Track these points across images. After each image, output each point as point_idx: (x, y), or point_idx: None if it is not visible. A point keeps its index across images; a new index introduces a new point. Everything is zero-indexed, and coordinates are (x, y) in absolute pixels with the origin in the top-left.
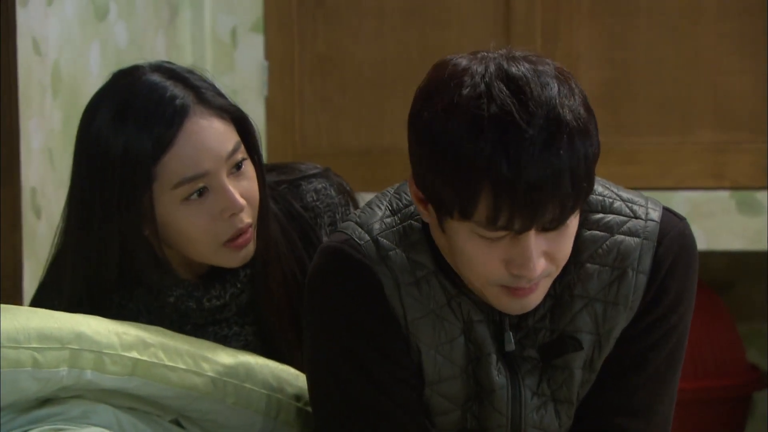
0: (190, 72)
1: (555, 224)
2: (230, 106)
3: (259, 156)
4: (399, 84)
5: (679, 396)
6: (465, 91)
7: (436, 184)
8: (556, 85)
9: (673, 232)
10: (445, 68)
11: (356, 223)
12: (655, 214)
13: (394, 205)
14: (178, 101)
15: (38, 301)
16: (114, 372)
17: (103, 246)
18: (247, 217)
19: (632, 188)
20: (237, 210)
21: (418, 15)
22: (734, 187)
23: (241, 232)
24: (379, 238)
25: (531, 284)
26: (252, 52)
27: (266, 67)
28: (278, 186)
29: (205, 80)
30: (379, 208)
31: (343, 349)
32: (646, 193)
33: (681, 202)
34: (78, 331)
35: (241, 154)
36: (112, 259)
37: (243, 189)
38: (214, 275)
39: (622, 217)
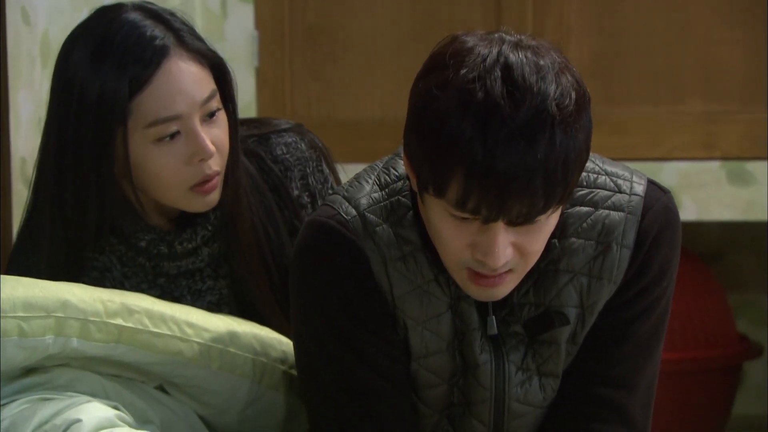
0: (172, 14)
1: (522, 220)
2: (209, 51)
3: (234, 105)
4: (389, 55)
5: (670, 366)
6: (462, 72)
7: (418, 155)
8: (553, 81)
9: (657, 205)
10: (452, 44)
11: (344, 197)
12: (640, 188)
13: (382, 179)
14: (158, 41)
15: (16, 263)
16: (99, 339)
17: (80, 189)
18: (215, 165)
19: (622, 159)
20: (207, 156)
21: None
22: (725, 158)
23: (208, 179)
24: (366, 213)
25: (495, 273)
26: (242, 22)
27: (256, 38)
28: (248, 139)
29: (185, 23)
30: (367, 182)
31: (330, 324)
32: (637, 165)
33: (671, 172)
34: (63, 299)
35: (216, 102)
36: (90, 203)
37: (214, 137)
38: (185, 221)
39: (606, 192)
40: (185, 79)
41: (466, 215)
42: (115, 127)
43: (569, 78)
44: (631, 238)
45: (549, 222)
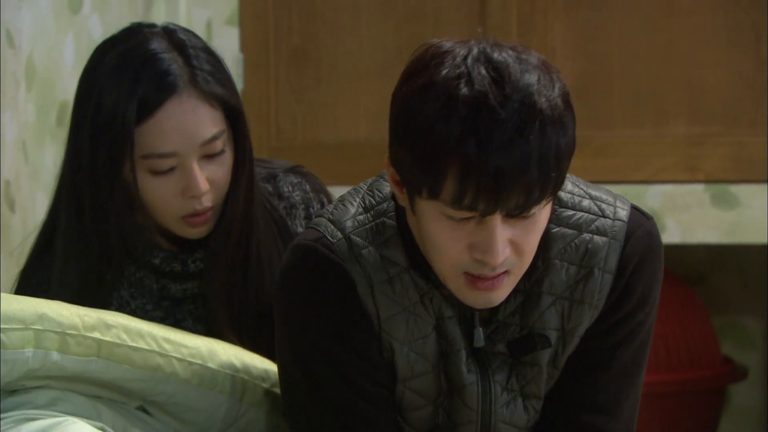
0: (203, 49)
1: (519, 211)
2: (224, 95)
3: (246, 147)
4: (375, 77)
5: (654, 388)
6: (444, 71)
7: (407, 161)
8: (536, 74)
9: (640, 231)
10: (429, 49)
11: (329, 219)
12: (623, 213)
13: (367, 201)
14: (170, 78)
15: (27, 284)
16: (78, 353)
17: (101, 212)
18: (208, 202)
19: (606, 182)
20: (198, 194)
21: (394, 8)
22: (708, 181)
23: (198, 213)
24: (352, 236)
25: (494, 273)
26: (227, 45)
27: (241, 60)
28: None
29: (210, 61)
30: (352, 204)
31: (315, 348)
32: (620, 187)
33: (655, 195)
34: (40, 312)
35: (221, 143)
36: (111, 224)
37: (211, 173)
38: (195, 242)
39: (590, 216)
40: (188, 119)
41: (462, 213)
42: (124, 150)
43: (551, 70)
44: (613, 263)
45: (541, 217)
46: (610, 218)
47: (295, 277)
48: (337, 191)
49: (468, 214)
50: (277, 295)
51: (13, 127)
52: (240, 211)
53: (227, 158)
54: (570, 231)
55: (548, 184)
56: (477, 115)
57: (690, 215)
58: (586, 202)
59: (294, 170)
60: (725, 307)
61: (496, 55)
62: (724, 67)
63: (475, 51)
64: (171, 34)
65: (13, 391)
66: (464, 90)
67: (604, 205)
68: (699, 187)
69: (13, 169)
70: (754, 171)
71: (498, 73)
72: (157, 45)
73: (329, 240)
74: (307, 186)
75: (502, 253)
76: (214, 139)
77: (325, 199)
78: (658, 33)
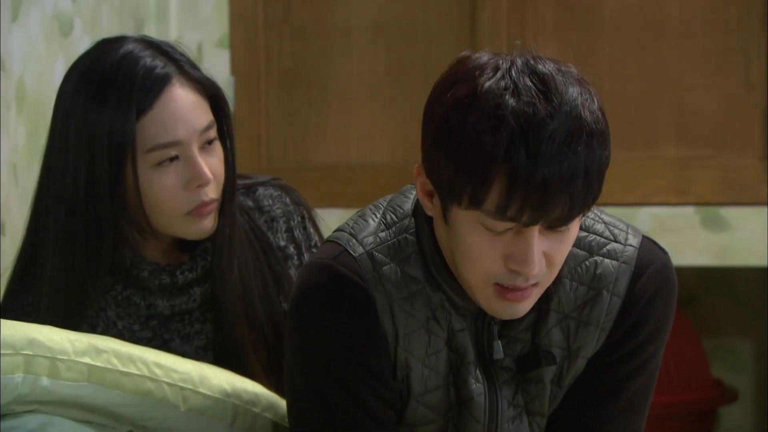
0: (171, 46)
1: (561, 223)
2: (207, 81)
3: (232, 138)
4: (365, 99)
5: None
6: (488, 83)
7: (448, 169)
8: (578, 87)
9: (658, 263)
10: (467, 61)
11: (350, 234)
12: (635, 240)
13: (389, 218)
14: (159, 69)
15: (11, 308)
16: (69, 378)
17: (94, 224)
18: (212, 193)
19: (597, 205)
20: (204, 182)
21: (385, 31)
22: (698, 203)
23: (205, 205)
24: (374, 252)
25: (526, 284)
26: (218, 68)
27: (232, 83)
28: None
29: (184, 54)
30: (373, 220)
31: (327, 366)
32: (611, 210)
33: (646, 217)
34: (30, 337)
35: (213, 133)
36: (105, 237)
37: (211, 165)
38: (183, 250)
39: (602, 239)
40: (186, 106)
41: (503, 224)
42: (126, 154)
43: (588, 84)
44: (622, 287)
45: (574, 230)
46: (621, 243)
47: (312, 295)
48: (328, 214)
49: (509, 225)
50: (291, 311)
51: (4, 150)
52: (235, 206)
53: (219, 149)
54: (581, 252)
55: (590, 196)
56: (526, 127)
57: (680, 238)
58: (599, 226)
59: (273, 183)
60: (715, 330)
61: (540, 67)
62: (713, 90)
63: (519, 62)
64: (141, 39)
65: (3, 415)
66: (511, 101)
67: (616, 231)
68: (689, 210)
69: (4, 192)
70: (743, 194)
71: (544, 85)
72: (134, 47)
73: (350, 254)
74: (287, 199)
75: (539, 264)
76: (209, 127)
77: (305, 213)
78: (648, 56)
